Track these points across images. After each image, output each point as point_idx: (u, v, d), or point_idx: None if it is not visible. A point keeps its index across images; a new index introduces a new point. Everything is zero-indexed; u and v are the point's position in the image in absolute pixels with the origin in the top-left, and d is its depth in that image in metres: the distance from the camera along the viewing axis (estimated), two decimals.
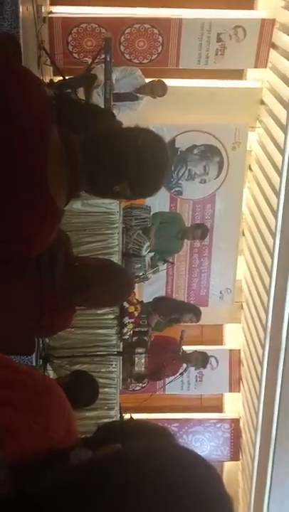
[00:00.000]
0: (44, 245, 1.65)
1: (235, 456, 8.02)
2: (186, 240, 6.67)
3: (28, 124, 1.47)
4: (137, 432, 1.09)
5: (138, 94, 6.25)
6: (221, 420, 8.14)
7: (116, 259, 4.96)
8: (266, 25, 6.57)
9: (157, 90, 6.22)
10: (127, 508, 0.84)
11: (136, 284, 5.15)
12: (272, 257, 6.11)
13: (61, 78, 5.48)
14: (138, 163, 1.62)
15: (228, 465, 8.12)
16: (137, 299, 5.80)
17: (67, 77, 5.51)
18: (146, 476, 0.88)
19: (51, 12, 6.44)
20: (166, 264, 6.28)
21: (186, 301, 7.43)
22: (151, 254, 5.83)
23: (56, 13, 6.48)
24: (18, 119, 1.47)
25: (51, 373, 4.86)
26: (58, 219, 1.62)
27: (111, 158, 1.63)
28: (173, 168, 6.95)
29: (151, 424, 1.17)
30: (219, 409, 8.26)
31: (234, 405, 8.19)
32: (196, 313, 6.30)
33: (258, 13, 6.77)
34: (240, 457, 8.00)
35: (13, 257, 1.72)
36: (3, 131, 1.44)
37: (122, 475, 0.88)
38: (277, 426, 6.09)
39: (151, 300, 6.61)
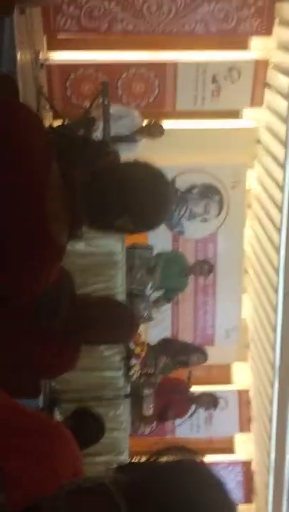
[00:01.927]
0: (46, 281, 1.63)
1: (248, 498, 7.81)
2: (189, 280, 6.64)
3: (27, 161, 1.47)
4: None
5: (136, 136, 6.32)
6: (233, 463, 7.95)
7: (120, 299, 4.93)
8: (260, 66, 6.70)
9: (155, 132, 6.30)
10: None
11: (141, 325, 5.10)
12: (276, 295, 6.08)
13: (60, 123, 5.55)
14: (139, 194, 1.61)
15: (241, 508, 7.90)
16: (143, 341, 5.75)
17: (66, 122, 5.58)
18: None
19: (48, 59, 6.57)
20: (170, 304, 6.25)
21: (192, 340, 7.36)
22: (156, 294, 5.81)
23: (54, 60, 6.61)
24: (17, 157, 1.47)
25: (59, 417, 4.78)
26: (59, 255, 1.61)
27: (111, 191, 1.63)
28: (174, 208, 6.98)
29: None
30: (230, 450, 8.08)
31: (245, 446, 8.01)
32: (203, 353, 6.23)
33: (252, 53, 6.89)
34: (254, 500, 7.79)
35: (15, 296, 1.70)
36: (2, 168, 1.44)
37: None
38: None
39: (157, 341, 6.54)
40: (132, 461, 1.35)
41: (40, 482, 1.44)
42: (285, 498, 6.06)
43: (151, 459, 1.05)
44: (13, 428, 1.61)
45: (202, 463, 1.05)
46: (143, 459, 1.06)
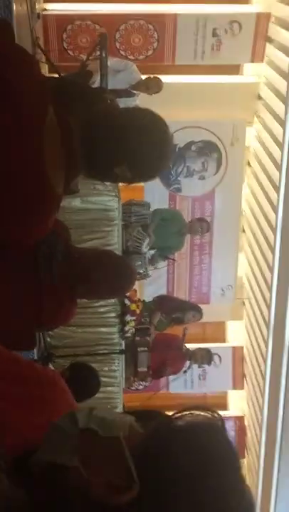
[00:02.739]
0: (43, 231, 1.60)
1: (240, 453, 7.96)
2: (186, 238, 6.62)
3: (23, 105, 1.42)
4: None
5: (134, 91, 6.20)
6: (226, 418, 8.08)
7: None
8: (261, 20, 6.54)
9: (152, 87, 6.17)
10: None
11: (137, 282, 5.10)
12: (273, 253, 6.07)
13: (56, 75, 5.44)
14: (139, 141, 1.56)
15: None
16: (138, 297, 5.76)
17: (62, 75, 5.46)
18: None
19: (45, 9, 6.40)
20: (166, 262, 6.23)
21: (187, 298, 7.38)
22: (152, 251, 5.79)
23: (50, 10, 6.44)
24: (13, 99, 1.42)
25: None
26: (56, 203, 1.57)
27: (110, 138, 1.57)
28: (171, 165, 6.91)
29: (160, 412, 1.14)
30: (224, 406, 8.21)
31: (238, 403, 8.14)
32: (198, 311, 6.25)
33: (253, 7, 6.73)
34: (246, 455, 7.95)
35: (11, 244, 1.67)
36: None
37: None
38: (282, 422, 6.04)
39: (152, 298, 6.56)
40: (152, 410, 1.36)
41: (39, 429, 1.44)
42: (276, 452, 6.18)
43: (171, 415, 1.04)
44: (10, 377, 1.60)
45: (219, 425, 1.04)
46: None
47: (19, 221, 1.51)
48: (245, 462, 7.93)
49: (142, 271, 5.48)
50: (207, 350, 6.39)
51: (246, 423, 7.94)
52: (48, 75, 5.82)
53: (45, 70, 5.89)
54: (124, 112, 1.77)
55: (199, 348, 6.42)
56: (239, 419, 8.04)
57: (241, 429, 8.00)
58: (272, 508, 6.48)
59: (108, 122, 1.61)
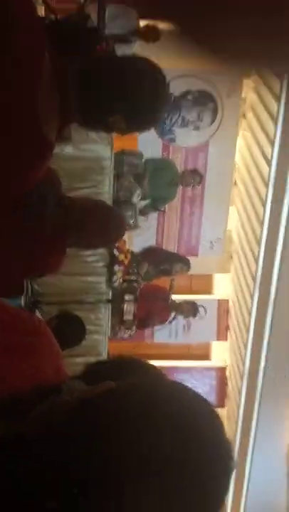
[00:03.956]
0: (34, 178, 1.58)
1: (221, 403, 8.15)
2: (178, 189, 6.59)
3: (19, 48, 1.38)
4: (129, 368, 1.05)
5: (131, 37, 6.05)
6: (208, 368, 8.25)
7: None
8: None
9: (151, 35, 6.02)
10: (117, 451, 0.81)
11: (126, 233, 5.10)
12: (264, 207, 6.06)
13: (53, 17, 5.28)
14: (135, 90, 1.53)
15: None
16: (127, 248, 5.77)
17: (59, 17, 5.31)
18: (140, 416, 0.84)
19: None
20: (157, 212, 6.22)
21: (176, 250, 7.40)
22: (143, 202, 5.77)
23: None
24: (9, 43, 1.38)
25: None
26: (48, 151, 1.54)
27: (105, 85, 1.54)
28: (166, 115, 6.80)
29: (142, 361, 1.13)
30: (206, 357, 8.36)
31: (221, 354, 8.28)
32: (186, 263, 6.28)
33: None
34: (226, 404, 8.14)
35: (1, 192, 1.65)
36: None
37: (116, 415, 0.85)
38: (263, 374, 6.17)
39: (141, 249, 6.58)
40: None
41: (24, 377, 1.46)
42: (256, 402, 6.33)
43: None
44: None
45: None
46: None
47: (11, 168, 1.49)
48: (225, 411, 8.13)
49: (131, 221, 5.48)
50: (193, 304, 6.47)
51: (228, 373, 8.10)
52: (44, 16, 5.65)
53: (41, 11, 5.71)
54: (120, 59, 1.74)
55: (185, 301, 6.49)
56: (221, 370, 8.20)
57: (222, 380, 8.17)
58: (250, 456, 6.69)
59: (103, 69, 1.57)
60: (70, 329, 3.52)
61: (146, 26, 6.02)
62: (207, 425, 0.88)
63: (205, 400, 0.92)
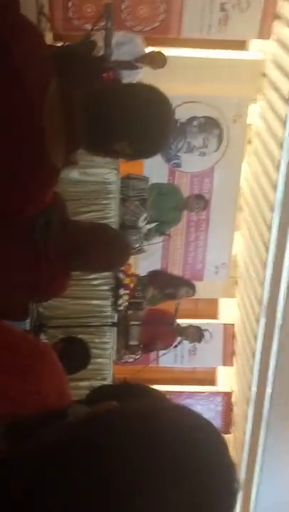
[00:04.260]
0: (40, 204, 1.60)
1: (226, 429, 8.08)
2: (182, 214, 6.61)
3: (26, 77, 1.41)
4: (134, 392, 1.05)
5: (137, 64, 6.13)
6: (214, 393, 8.19)
7: None
8: None
9: (157, 61, 6.10)
10: (117, 469, 0.81)
11: (132, 257, 5.11)
12: (270, 232, 6.08)
13: (61, 44, 5.38)
14: (140, 119, 1.55)
15: None
16: (132, 272, 5.78)
17: (66, 44, 5.40)
18: (141, 435, 0.84)
19: None
20: (161, 237, 6.23)
21: (181, 274, 7.41)
22: (148, 226, 5.79)
23: None
24: (16, 72, 1.41)
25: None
26: (54, 177, 1.57)
27: (111, 113, 1.56)
28: (172, 140, 6.87)
29: (147, 386, 1.13)
30: (212, 382, 8.31)
31: (227, 379, 8.23)
32: (192, 288, 6.28)
33: None
34: (232, 431, 8.07)
35: (8, 217, 1.67)
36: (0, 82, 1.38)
37: (116, 433, 0.85)
38: (270, 399, 6.13)
39: (146, 273, 6.58)
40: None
41: (24, 399, 1.46)
42: (263, 428, 6.27)
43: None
44: (3, 346, 1.62)
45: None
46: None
47: (18, 194, 1.51)
48: (231, 437, 8.05)
49: (137, 245, 5.49)
50: (198, 329, 6.44)
51: (234, 399, 8.04)
52: (52, 43, 5.76)
53: (49, 38, 5.82)
54: (125, 87, 1.76)
55: (191, 326, 6.47)
56: (227, 395, 8.14)
57: (228, 405, 8.10)
58: (256, 483, 6.61)
59: (110, 98, 1.60)
60: (75, 353, 3.52)
61: (152, 53, 6.11)
62: (209, 443, 0.88)
63: (209, 422, 0.92)
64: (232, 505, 0.86)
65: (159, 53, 6.09)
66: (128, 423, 0.86)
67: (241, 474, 7.00)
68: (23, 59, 1.45)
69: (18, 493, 0.81)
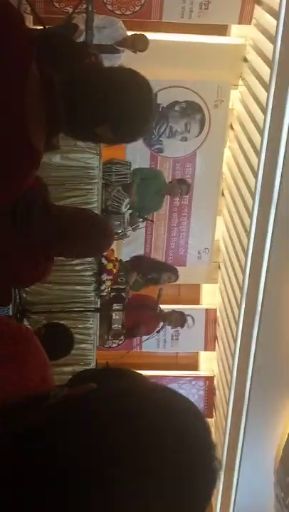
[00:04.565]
0: (22, 187, 1.59)
1: (208, 413, 8.15)
2: (165, 199, 6.61)
3: (6, 59, 1.40)
4: (115, 375, 1.06)
5: (119, 48, 6.08)
6: (196, 378, 8.25)
7: None
8: None
9: (138, 44, 6.04)
10: (95, 446, 0.82)
11: (114, 242, 5.10)
12: (250, 218, 6.09)
13: (41, 27, 5.30)
14: (123, 101, 1.55)
15: None
16: (115, 257, 5.77)
17: (47, 27, 5.33)
18: (118, 414, 0.85)
19: None
20: (145, 222, 6.23)
21: (164, 260, 7.42)
22: (131, 211, 5.77)
23: None
24: None
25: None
26: (35, 161, 1.56)
27: (92, 96, 1.56)
28: (154, 125, 6.84)
29: (129, 369, 1.14)
30: (194, 367, 8.37)
31: (209, 364, 8.29)
32: (174, 273, 6.29)
33: None
34: (214, 414, 8.14)
35: None
36: None
37: (93, 413, 0.86)
38: (250, 384, 6.18)
39: (129, 258, 6.58)
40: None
41: (9, 383, 1.46)
42: (244, 412, 6.34)
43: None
44: None
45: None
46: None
47: None
48: (213, 421, 8.13)
49: (120, 231, 5.48)
50: (181, 314, 6.47)
51: (216, 383, 8.10)
52: (32, 26, 5.68)
53: (30, 21, 5.74)
54: (107, 71, 1.75)
55: (173, 311, 6.49)
56: (209, 380, 8.20)
57: (210, 389, 8.17)
58: (238, 466, 6.68)
59: (91, 80, 1.59)
60: (59, 339, 3.52)
61: (134, 36, 6.06)
62: (187, 419, 0.89)
63: (187, 399, 0.93)
64: (213, 482, 0.87)
65: (141, 36, 6.04)
66: (105, 402, 0.87)
67: (223, 458, 7.09)
68: (3, 41, 1.43)
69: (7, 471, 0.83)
